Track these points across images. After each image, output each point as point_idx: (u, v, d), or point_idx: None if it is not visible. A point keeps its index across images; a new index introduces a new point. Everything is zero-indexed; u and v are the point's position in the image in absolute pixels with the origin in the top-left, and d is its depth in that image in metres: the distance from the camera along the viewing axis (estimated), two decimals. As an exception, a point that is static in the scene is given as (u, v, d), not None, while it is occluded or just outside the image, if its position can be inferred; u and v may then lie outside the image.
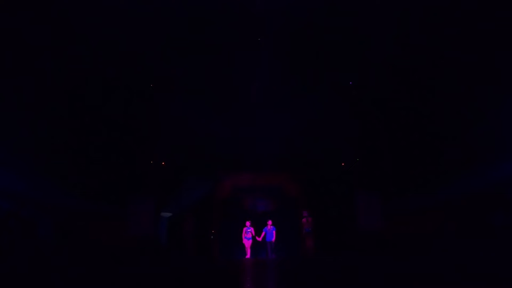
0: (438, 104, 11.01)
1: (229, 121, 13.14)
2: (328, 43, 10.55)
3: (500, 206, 9.35)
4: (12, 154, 9.89)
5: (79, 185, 12.02)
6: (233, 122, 13.17)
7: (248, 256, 14.02)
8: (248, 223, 14.16)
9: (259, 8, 9.64)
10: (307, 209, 14.42)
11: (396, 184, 13.15)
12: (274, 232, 14.19)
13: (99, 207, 12.72)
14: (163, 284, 5.47)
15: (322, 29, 10.04)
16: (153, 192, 13.71)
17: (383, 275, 5.65)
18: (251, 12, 9.78)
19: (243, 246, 14.16)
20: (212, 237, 15.94)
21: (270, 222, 14.29)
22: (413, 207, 12.74)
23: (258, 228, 14.29)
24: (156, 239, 13.63)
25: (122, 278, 6.09)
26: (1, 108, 9.26)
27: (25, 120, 10.10)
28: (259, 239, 14.10)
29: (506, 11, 7.88)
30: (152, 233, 13.38)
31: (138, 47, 10.71)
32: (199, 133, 13.40)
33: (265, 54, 10.90)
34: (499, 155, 9.20)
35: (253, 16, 9.87)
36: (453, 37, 9.09)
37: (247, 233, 14.07)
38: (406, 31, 9.44)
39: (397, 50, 10.22)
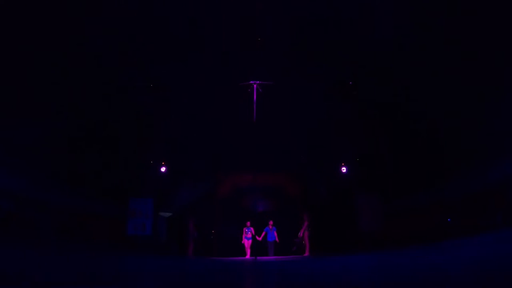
0: (438, 104, 11.00)
1: (229, 121, 13.14)
2: (328, 41, 10.52)
3: (500, 206, 9.33)
4: (12, 154, 9.90)
5: (79, 184, 12.04)
6: (233, 122, 13.16)
7: (248, 256, 14.02)
8: (248, 223, 14.18)
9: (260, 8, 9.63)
10: (306, 214, 14.48)
11: (397, 184, 13.13)
12: (275, 232, 14.23)
13: (99, 207, 12.74)
14: (162, 283, 5.47)
15: (322, 27, 10.01)
16: (153, 192, 13.73)
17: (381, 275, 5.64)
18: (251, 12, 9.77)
19: (243, 246, 14.17)
20: (212, 237, 15.95)
21: (271, 222, 14.33)
22: (414, 208, 12.72)
23: (258, 228, 14.30)
24: (155, 239, 13.65)
25: (121, 277, 6.09)
26: (0, 108, 9.27)
27: (25, 120, 10.11)
28: (259, 238, 14.12)
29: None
30: (152, 232, 13.40)
31: (139, 47, 10.71)
32: (199, 133, 13.40)
33: (265, 53, 10.87)
34: (499, 155, 9.18)
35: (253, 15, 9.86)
36: (453, 36, 9.07)
37: (247, 233, 14.10)
38: (405, 30, 9.41)
39: (397, 49, 10.20)
